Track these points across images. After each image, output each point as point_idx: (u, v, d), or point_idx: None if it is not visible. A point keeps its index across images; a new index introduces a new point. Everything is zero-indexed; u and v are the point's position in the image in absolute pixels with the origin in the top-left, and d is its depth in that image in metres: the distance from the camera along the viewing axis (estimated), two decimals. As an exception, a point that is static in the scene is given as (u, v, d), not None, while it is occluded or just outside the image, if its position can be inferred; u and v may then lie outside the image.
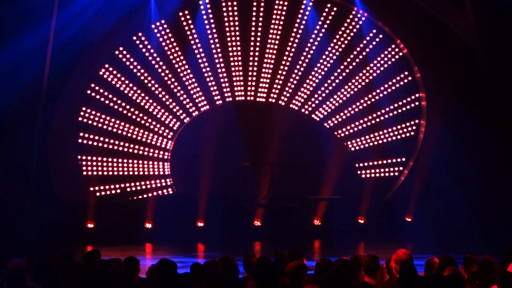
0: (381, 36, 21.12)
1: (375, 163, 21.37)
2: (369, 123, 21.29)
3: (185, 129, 20.69)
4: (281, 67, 21.06)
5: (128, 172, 20.33)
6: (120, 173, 20.27)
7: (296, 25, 20.94)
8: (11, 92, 17.69)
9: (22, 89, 17.99)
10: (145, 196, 20.31)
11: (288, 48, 21.00)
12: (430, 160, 20.91)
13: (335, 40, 21.10)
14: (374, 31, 21.09)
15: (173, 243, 18.39)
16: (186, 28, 20.49)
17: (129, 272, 8.39)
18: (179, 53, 20.55)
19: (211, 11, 20.52)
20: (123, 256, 9.07)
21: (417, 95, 21.33)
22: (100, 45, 19.67)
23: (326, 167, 20.77)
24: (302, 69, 21.11)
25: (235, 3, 20.66)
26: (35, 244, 17.32)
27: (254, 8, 20.76)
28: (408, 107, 21.35)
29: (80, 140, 19.87)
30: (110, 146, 20.15)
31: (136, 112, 20.32)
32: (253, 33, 20.85)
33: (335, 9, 20.96)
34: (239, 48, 20.87)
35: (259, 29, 20.85)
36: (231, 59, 20.89)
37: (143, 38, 20.26)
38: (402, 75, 21.28)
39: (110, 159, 20.15)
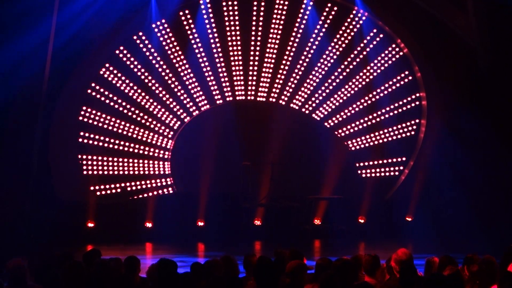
0: (381, 35, 21.12)
1: (376, 162, 21.37)
2: (369, 123, 21.29)
3: (186, 128, 20.69)
4: (282, 66, 21.06)
5: (129, 171, 20.33)
6: (121, 172, 20.27)
7: (297, 24, 20.94)
8: (11, 92, 17.69)
9: (23, 88, 18.00)
10: (145, 195, 20.31)
11: (289, 48, 21.00)
12: (430, 160, 20.91)
13: (335, 40, 21.10)
14: (375, 30, 21.09)
15: (173, 242, 18.39)
16: (187, 27, 20.50)
17: (129, 271, 8.38)
18: (180, 52, 20.55)
19: (212, 10, 20.52)
20: (123, 255, 9.06)
21: (417, 94, 21.34)
22: (101, 44, 19.67)
23: (327, 166, 20.77)
24: (302, 68, 21.11)
25: (235, 2, 20.66)
26: (35, 244, 17.32)
27: (255, 8, 20.76)
28: (408, 106, 21.35)
29: (80, 140, 19.87)
30: (111, 146, 20.15)
31: (137, 112, 20.32)
32: (253, 33, 20.85)
33: (335, 8, 20.96)
34: (239, 48, 20.87)
35: (260, 28, 20.85)
36: (232, 58, 20.89)
37: (143, 38, 20.26)
38: (402, 75, 21.28)
39: (110, 159, 20.15)
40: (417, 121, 21.37)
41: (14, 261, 7.63)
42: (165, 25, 20.38)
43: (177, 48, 20.52)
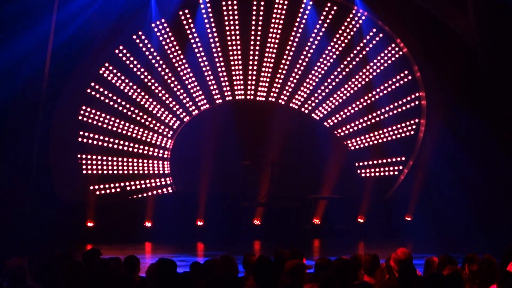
0: (381, 35, 21.12)
1: (375, 162, 21.37)
2: (369, 122, 21.30)
3: (185, 128, 20.69)
4: (281, 66, 21.06)
5: (128, 171, 20.33)
6: (120, 172, 20.27)
7: (296, 24, 20.94)
8: (11, 92, 17.68)
9: (22, 88, 17.99)
10: (144, 195, 20.31)
11: (288, 47, 21.00)
12: (430, 160, 20.91)
13: (335, 39, 21.10)
14: (374, 30, 21.09)
15: (172, 242, 18.39)
16: (186, 27, 20.50)
17: (129, 271, 8.38)
18: (179, 52, 20.55)
19: (211, 10, 20.53)
20: (123, 255, 9.06)
21: (417, 94, 21.34)
22: (101, 44, 19.68)
23: (326, 166, 20.77)
24: (302, 68, 21.11)
25: (235, 2, 20.66)
26: (35, 244, 17.31)
27: (254, 7, 20.76)
28: (408, 106, 21.35)
29: (80, 139, 19.88)
30: (110, 145, 20.16)
31: (136, 111, 20.33)
32: (253, 32, 20.85)
33: (335, 8, 20.96)
34: (239, 47, 20.87)
35: (259, 28, 20.85)
36: (231, 58, 20.89)
37: (143, 37, 20.26)
38: (402, 74, 21.28)
39: (110, 158, 20.16)
40: (416, 120, 21.37)
41: (14, 261, 7.63)
42: (165, 25, 20.38)
43: (177, 47, 20.53)
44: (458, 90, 20.67)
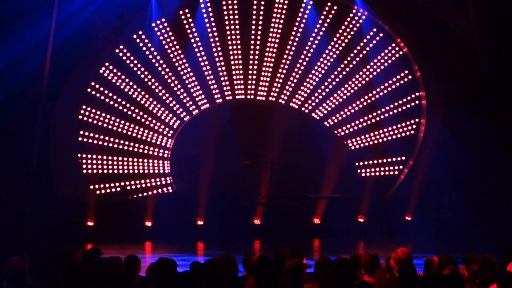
0: (381, 34, 21.12)
1: (375, 161, 21.37)
2: (369, 122, 21.29)
3: (185, 127, 20.69)
4: (281, 65, 21.05)
5: (128, 170, 20.34)
6: (120, 171, 20.28)
7: (296, 23, 20.93)
8: (11, 91, 17.69)
9: (22, 87, 18.00)
10: (145, 194, 20.32)
11: (288, 47, 21.00)
12: (430, 159, 20.90)
13: (335, 39, 21.10)
14: (374, 29, 21.09)
15: (173, 241, 18.40)
16: (187, 26, 20.50)
17: (129, 270, 8.38)
18: (179, 51, 20.55)
19: (211, 9, 20.52)
20: (123, 254, 9.06)
21: (417, 94, 21.33)
22: (101, 43, 19.68)
23: (326, 165, 20.77)
24: (302, 67, 21.11)
25: (235, 1, 20.66)
26: (35, 242, 17.31)
27: (255, 7, 20.76)
28: (408, 106, 21.35)
29: (80, 139, 19.88)
30: (110, 145, 20.16)
31: (136, 111, 20.33)
32: (253, 32, 20.85)
33: (335, 7, 20.95)
34: (239, 47, 20.87)
35: (259, 27, 20.85)
36: (231, 57, 20.89)
37: (143, 37, 20.26)
38: (402, 74, 21.27)
39: (110, 158, 20.16)
40: (416, 120, 21.37)
41: (14, 261, 7.63)
42: (165, 24, 20.38)
43: (177, 47, 20.53)
44: (458, 90, 20.67)
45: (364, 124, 21.28)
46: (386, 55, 21.18)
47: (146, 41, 20.27)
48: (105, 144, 20.11)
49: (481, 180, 20.33)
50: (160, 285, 7.26)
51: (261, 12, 20.80)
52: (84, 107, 19.91)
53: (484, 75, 20.47)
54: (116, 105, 20.14)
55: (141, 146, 20.44)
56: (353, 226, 20.48)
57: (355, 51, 21.14)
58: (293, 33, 20.94)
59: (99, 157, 20.06)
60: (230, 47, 20.84)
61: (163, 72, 20.46)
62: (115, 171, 20.23)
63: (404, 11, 20.86)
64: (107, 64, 20.04)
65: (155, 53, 20.34)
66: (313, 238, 20.12)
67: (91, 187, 19.94)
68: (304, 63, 21.09)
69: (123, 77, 20.17)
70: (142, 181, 20.40)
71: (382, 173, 21.40)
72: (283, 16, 20.89)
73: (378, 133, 21.34)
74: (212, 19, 20.58)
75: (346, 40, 21.15)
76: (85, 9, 18.69)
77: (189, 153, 20.49)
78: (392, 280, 8.19)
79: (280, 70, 21.06)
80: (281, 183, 20.41)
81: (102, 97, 20.03)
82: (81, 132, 19.90)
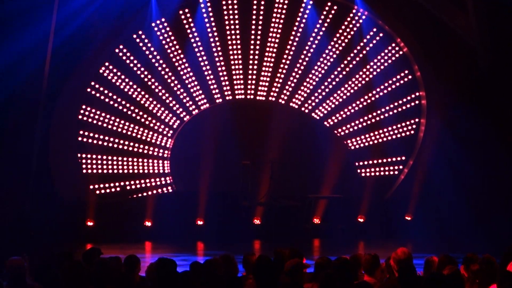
0: (381, 34, 21.12)
1: (375, 161, 21.37)
2: (369, 122, 21.29)
3: (185, 127, 20.69)
4: (281, 65, 21.05)
5: (128, 170, 20.34)
6: (120, 171, 20.27)
7: (296, 23, 20.93)
8: (11, 91, 17.68)
9: (22, 87, 18.00)
10: (144, 194, 20.32)
11: (288, 47, 20.99)
12: (430, 159, 20.90)
13: (335, 39, 21.09)
14: (374, 29, 21.09)
15: (172, 241, 18.39)
16: (186, 26, 20.50)
17: (129, 270, 8.38)
18: (179, 51, 20.55)
19: (211, 9, 20.52)
20: (123, 254, 9.06)
21: (417, 93, 21.33)
22: (101, 43, 19.68)
23: (326, 165, 20.77)
24: (302, 67, 21.10)
25: (235, 1, 20.66)
26: (35, 242, 17.31)
27: (255, 6, 20.76)
28: (408, 106, 21.35)
29: (80, 139, 19.88)
30: (110, 144, 20.16)
31: (136, 110, 20.33)
32: (253, 31, 20.84)
33: (335, 7, 20.95)
34: (239, 46, 20.87)
35: (259, 27, 20.85)
36: (231, 57, 20.88)
37: (143, 37, 20.25)
38: (402, 74, 21.27)
39: (110, 157, 20.16)
40: (416, 120, 21.37)
41: (13, 260, 7.62)
42: (165, 24, 20.38)
43: (177, 47, 20.53)
44: (458, 89, 20.67)
45: (364, 124, 21.28)
46: (386, 55, 21.19)
47: (146, 41, 20.27)
48: (105, 144, 20.11)
49: (481, 180, 20.34)
50: (159, 285, 7.25)
51: (261, 12, 20.80)
52: (84, 107, 19.91)
53: (484, 75, 20.47)
54: (116, 105, 20.14)
55: (141, 146, 20.43)
56: (353, 226, 20.48)
57: (355, 51, 21.14)
58: (293, 33, 20.94)
59: (99, 157, 20.06)
60: (230, 47, 20.84)
61: (163, 72, 20.46)
62: (115, 171, 20.23)
63: (404, 11, 20.86)
64: (107, 64, 20.04)
65: (155, 53, 20.34)
66: (313, 238, 20.12)
67: (91, 187, 19.94)
68: (304, 63, 21.09)
69: (123, 77, 20.17)
70: (142, 181, 20.40)
71: (382, 173, 21.40)
72: (283, 16, 20.89)
73: (378, 133, 21.34)
74: (212, 19, 20.58)
75: (346, 40, 21.15)
76: (85, 9, 18.69)
77: (189, 153, 20.49)
78: (392, 280, 8.19)
79: (280, 70, 21.06)
80: (281, 183, 20.40)
81: (102, 97, 20.03)
82: (81, 132, 19.89)
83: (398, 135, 21.38)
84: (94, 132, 19.98)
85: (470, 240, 17.77)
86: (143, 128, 20.42)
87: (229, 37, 20.79)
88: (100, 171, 20.08)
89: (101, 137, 20.06)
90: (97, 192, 19.98)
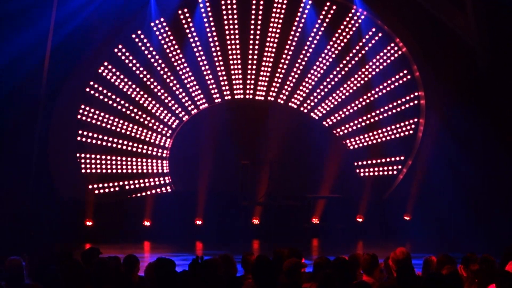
0: (380, 34, 21.11)
1: (374, 161, 21.36)
2: (368, 122, 21.28)
3: (184, 127, 20.69)
4: (280, 65, 21.04)
5: (127, 170, 20.33)
6: (119, 171, 20.27)
7: (295, 23, 20.92)
8: (10, 91, 17.68)
9: (21, 87, 17.99)
10: (143, 194, 20.31)
11: (287, 46, 20.99)
12: (429, 159, 20.90)
13: (334, 39, 21.08)
14: (373, 29, 21.07)
15: (171, 241, 18.39)
16: (185, 26, 20.49)
17: (128, 270, 8.39)
18: (178, 51, 20.54)
19: (211, 9, 20.51)
20: (122, 254, 9.07)
21: (416, 93, 21.32)
22: (100, 43, 19.67)
23: (325, 165, 20.76)
24: (301, 67, 21.10)
25: (234, 1, 20.65)
26: (35, 242, 17.31)
27: (253, 6, 20.75)
28: (407, 105, 21.33)
29: (79, 138, 19.88)
30: (109, 144, 20.16)
31: (135, 110, 20.32)
32: (252, 31, 20.84)
33: (334, 7, 20.94)
34: (238, 46, 20.86)
35: (258, 27, 20.84)
36: (230, 57, 20.87)
37: (142, 36, 20.25)
38: (401, 74, 21.26)
39: (109, 157, 20.15)
40: (415, 120, 21.36)
41: (12, 260, 7.63)
42: (164, 24, 20.37)
43: (176, 46, 20.52)
44: (457, 89, 20.67)
45: (363, 123, 21.27)
46: (385, 54, 21.18)
47: (145, 40, 20.26)
48: (104, 143, 20.10)
49: (480, 180, 20.33)
50: (158, 285, 7.26)
51: (260, 12, 20.79)
52: (83, 106, 19.91)
53: (483, 75, 20.47)
54: (115, 104, 20.13)
55: (140, 146, 20.43)
56: (352, 226, 20.47)
57: (354, 51, 21.14)
58: (292, 32, 20.93)
59: (98, 156, 20.06)
60: (229, 47, 20.83)
61: (162, 72, 20.46)
62: (114, 171, 20.22)
63: (403, 11, 20.85)
64: (106, 63, 20.04)
65: (154, 53, 20.33)
66: (312, 237, 20.12)
67: (90, 186, 19.93)
68: (303, 63, 21.08)
69: (122, 76, 20.16)
70: (141, 181, 20.40)
71: (381, 173, 21.39)
72: (282, 16, 20.88)
73: (377, 132, 21.33)
74: (211, 18, 20.57)
75: (345, 40, 21.14)
76: (84, 8, 18.68)
77: (188, 153, 20.49)
78: (390, 280, 8.20)
79: (279, 70, 21.05)
80: (280, 182, 20.39)
81: (101, 97, 20.02)
82: (80, 132, 19.89)
83: (397, 135, 21.38)
84: (93, 132, 19.98)
85: (469, 240, 17.77)
86: (142, 128, 20.41)
87: (228, 37, 20.78)
88: (99, 171, 20.07)
89: (100, 137, 20.05)
90: (96, 191, 19.97)
